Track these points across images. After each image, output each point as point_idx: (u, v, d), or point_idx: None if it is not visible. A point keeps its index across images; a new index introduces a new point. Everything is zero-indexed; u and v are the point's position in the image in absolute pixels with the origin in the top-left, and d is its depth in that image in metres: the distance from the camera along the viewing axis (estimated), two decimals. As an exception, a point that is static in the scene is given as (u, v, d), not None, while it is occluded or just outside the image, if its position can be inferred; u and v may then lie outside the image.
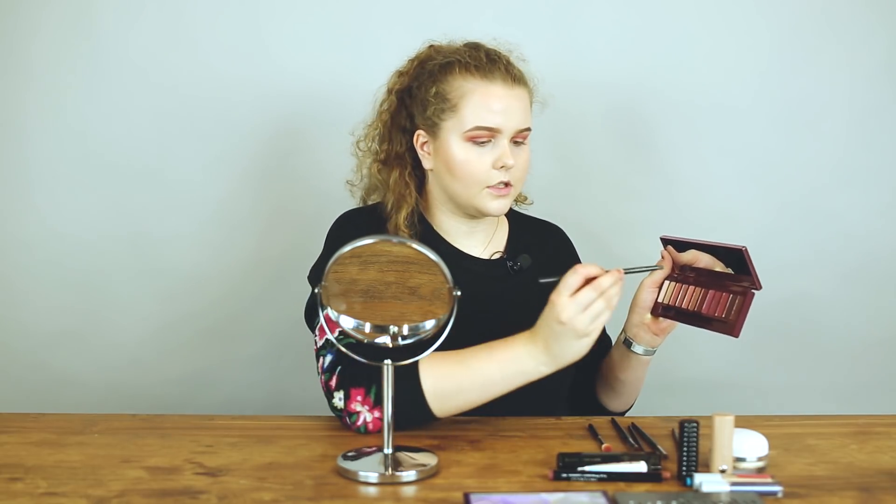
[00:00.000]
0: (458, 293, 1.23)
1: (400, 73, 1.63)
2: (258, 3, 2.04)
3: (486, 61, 1.54)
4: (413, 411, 1.37)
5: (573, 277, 1.32)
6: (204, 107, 2.06)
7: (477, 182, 1.53)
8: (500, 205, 1.56)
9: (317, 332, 1.49)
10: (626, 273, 1.36)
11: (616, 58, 2.09)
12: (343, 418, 1.41)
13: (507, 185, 1.54)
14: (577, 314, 1.31)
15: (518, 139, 1.55)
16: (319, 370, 1.45)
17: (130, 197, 2.08)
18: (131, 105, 2.05)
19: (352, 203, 1.70)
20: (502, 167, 1.53)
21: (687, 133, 2.12)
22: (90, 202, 2.08)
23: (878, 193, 2.15)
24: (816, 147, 2.13)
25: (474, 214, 1.60)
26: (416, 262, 1.22)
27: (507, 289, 1.62)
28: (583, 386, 1.72)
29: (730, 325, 1.44)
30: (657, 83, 2.10)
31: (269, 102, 2.07)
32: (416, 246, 1.21)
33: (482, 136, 1.52)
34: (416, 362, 1.35)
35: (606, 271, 1.33)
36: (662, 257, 1.55)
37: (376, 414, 1.39)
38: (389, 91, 1.63)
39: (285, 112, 2.07)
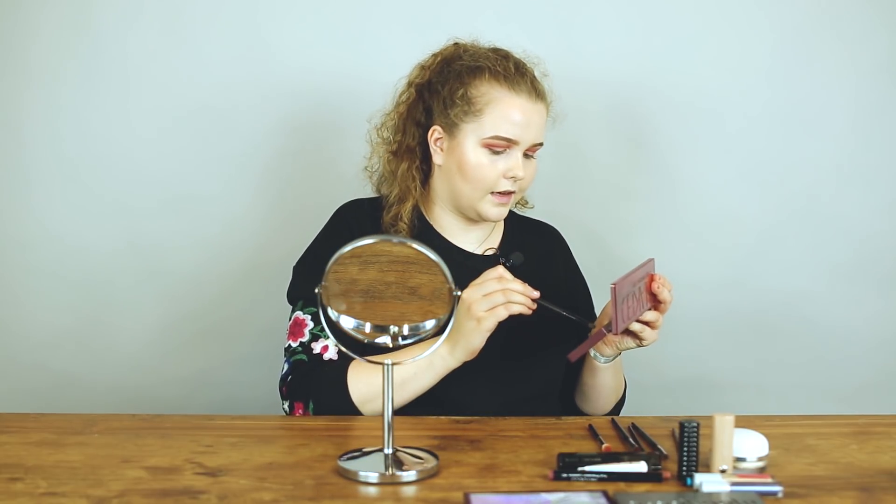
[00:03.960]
0: (459, 293, 1.23)
1: (422, 67, 1.65)
2: (258, 1, 2.04)
3: (514, 72, 1.57)
4: (344, 413, 1.50)
5: (491, 272, 1.44)
6: (203, 107, 2.06)
7: (484, 187, 1.57)
8: (500, 212, 1.60)
9: (287, 330, 1.58)
10: (539, 300, 1.45)
11: (616, 57, 2.09)
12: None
13: (510, 193, 1.58)
14: (476, 296, 1.42)
15: (529, 152, 1.58)
16: (280, 373, 1.58)
17: (129, 198, 2.08)
18: (130, 105, 2.05)
19: (353, 195, 1.70)
20: (512, 178, 1.56)
21: (687, 133, 2.12)
22: (90, 203, 2.08)
23: (879, 193, 2.15)
24: (817, 147, 2.13)
25: (472, 217, 1.62)
26: (416, 262, 1.22)
27: None
28: (563, 390, 1.73)
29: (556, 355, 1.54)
30: (658, 83, 2.10)
31: (269, 103, 2.06)
32: (416, 246, 1.22)
33: (499, 146, 1.55)
34: (346, 372, 1.50)
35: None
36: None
37: None
38: (409, 84, 1.65)
39: (286, 112, 2.07)
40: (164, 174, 2.08)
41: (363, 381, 1.50)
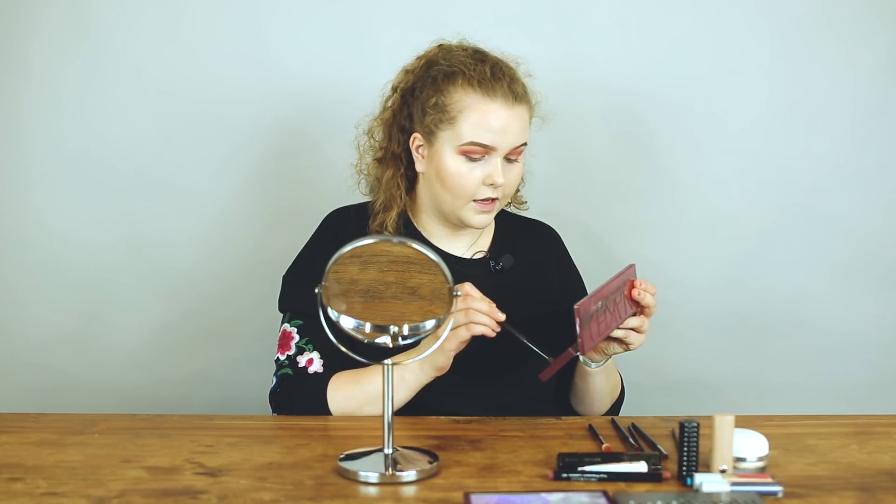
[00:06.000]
0: (459, 293, 1.23)
1: (406, 72, 1.62)
2: (258, 2, 2.04)
3: (489, 76, 1.53)
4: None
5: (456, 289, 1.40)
6: (203, 107, 2.06)
7: (464, 195, 1.54)
8: (483, 219, 1.57)
9: (278, 340, 1.59)
10: (505, 324, 1.43)
11: (616, 58, 2.09)
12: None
13: (493, 200, 1.55)
14: None
15: (511, 156, 1.55)
16: (270, 385, 1.59)
17: (130, 197, 2.08)
18: (130, 105, 2.05)
19: (354, 198, 1.70)
20: (491, 184, 1.53)
21: (687, 133, 2.12)
22: (89, 203, 2.08)
23: (878, 193, 2.15)
24: (817, 147, 2.13)
25: (456, 224, 1.61)
26: (416, 262, 1.22)
27: (487, 288, 1.61)
28: (558, 393, 1.72)
29: (544, 364, 1.44)
30: (657, 83, 2.10)
31: (268, 103, 2.06)
32: (416, 246, 1.22)
33: (475, 152, 1.52)
34: (326, 387, 1.51)
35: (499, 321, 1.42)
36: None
37: None
38: (394, 88, 1.63)
39: (285, 112, 2.07)
40: (164, 173, 2.07)
41: (341, 395, 1.51)
